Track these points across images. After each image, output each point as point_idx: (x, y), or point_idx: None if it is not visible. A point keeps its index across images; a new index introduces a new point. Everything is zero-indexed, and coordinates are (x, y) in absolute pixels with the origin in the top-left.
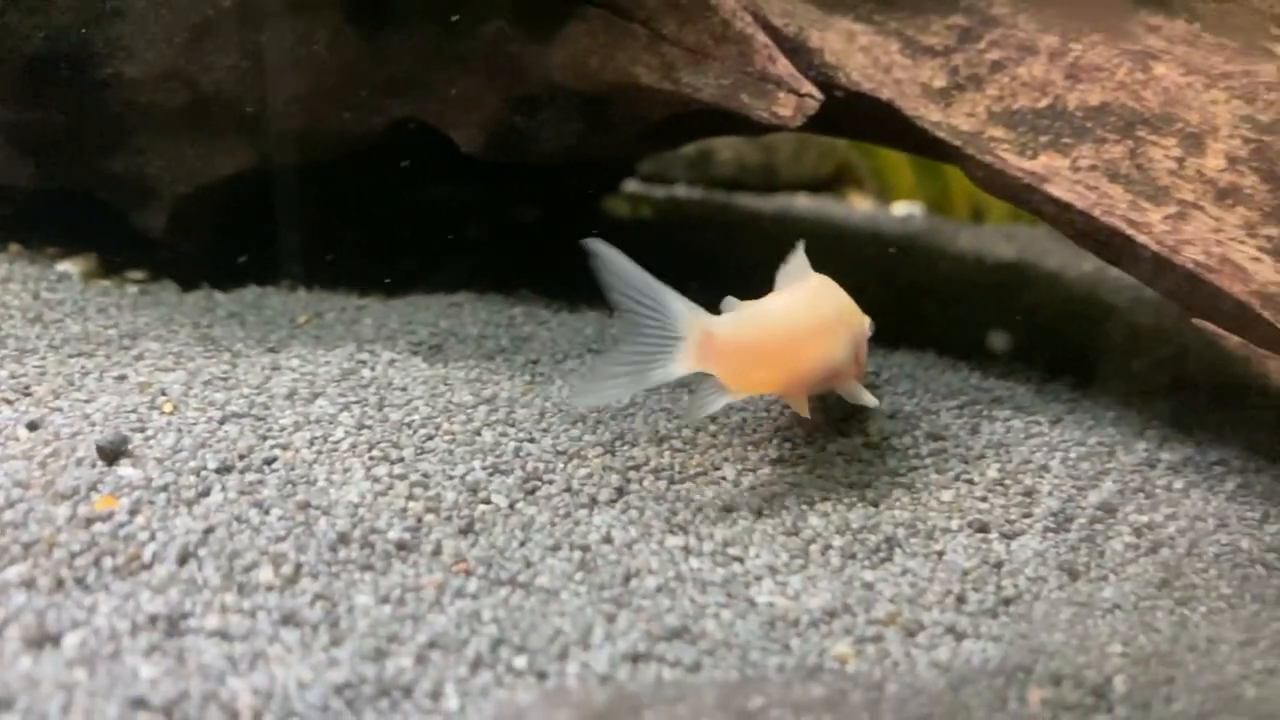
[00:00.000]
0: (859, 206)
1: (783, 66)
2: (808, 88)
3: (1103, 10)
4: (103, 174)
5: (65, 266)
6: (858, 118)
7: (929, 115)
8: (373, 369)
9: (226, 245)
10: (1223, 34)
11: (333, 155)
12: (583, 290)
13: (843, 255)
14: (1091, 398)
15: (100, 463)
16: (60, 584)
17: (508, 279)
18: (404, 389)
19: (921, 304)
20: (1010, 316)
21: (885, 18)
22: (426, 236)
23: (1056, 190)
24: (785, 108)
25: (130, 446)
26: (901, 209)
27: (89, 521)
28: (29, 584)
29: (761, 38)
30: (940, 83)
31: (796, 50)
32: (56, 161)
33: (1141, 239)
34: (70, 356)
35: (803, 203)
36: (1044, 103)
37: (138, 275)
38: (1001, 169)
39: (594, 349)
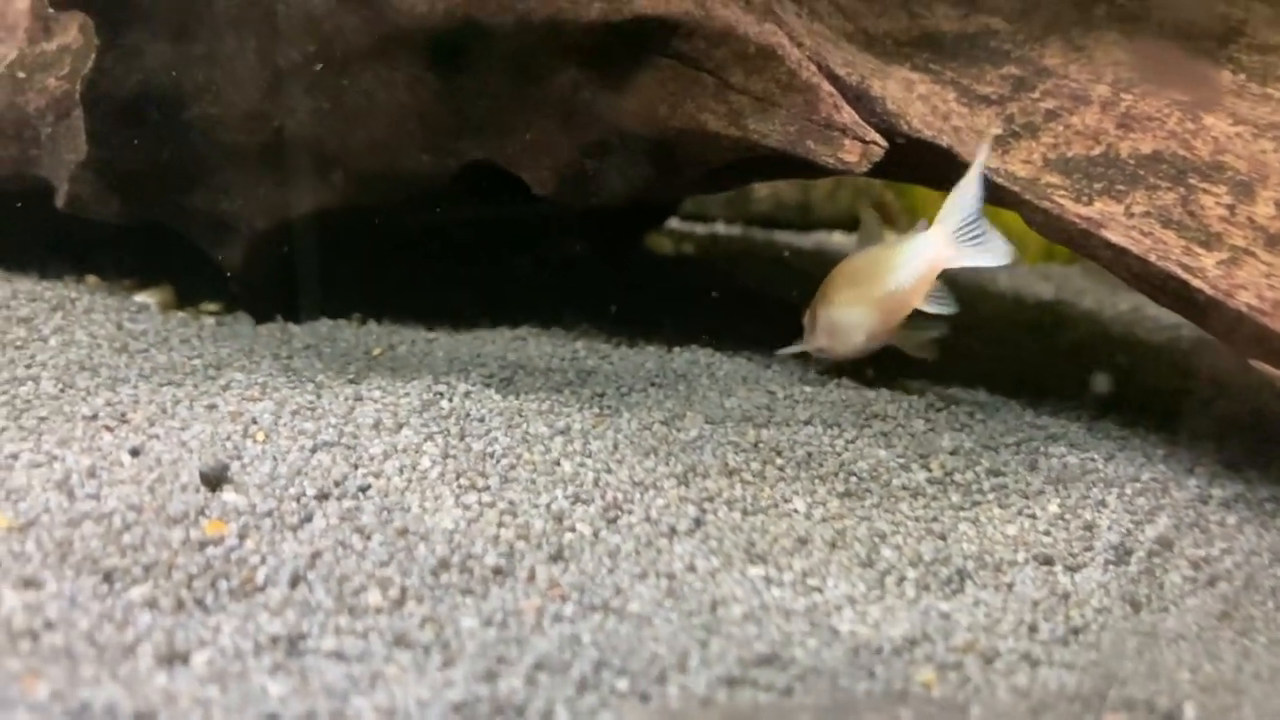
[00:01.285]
0: None
1: (848, 114)
2: (873, 135)
3: (1153, 61)
4: (184, 209)
5: (143, 298)
6: (918, 164)
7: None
8: (450, 400)
9: (300, 279)
10: (1269, 85)
11: (408, 194)
12: (639, 324)
13: None
14: (1140, 435)
15: (204, 489)
16: (181, 604)
17: (566, 313)
18: (481, 420)
19: (968, 342)
20: (1054, 355)
21: (941, 67)
22: (489, 271)
23: (1113, 235)
24: (851, 154)
25: (230, 473)
26: None
27: (202, 545)
28: (152, 604)
29: (827, 86)
30: (996, 130)
31: (860, 98)
32: (141, 197)
33: (1196, 283)
34: (161, 385)
35: (839, 240)
36: (1097, 151)
37: (212, 307)
38: (1059, 214)
39: (655, 382)
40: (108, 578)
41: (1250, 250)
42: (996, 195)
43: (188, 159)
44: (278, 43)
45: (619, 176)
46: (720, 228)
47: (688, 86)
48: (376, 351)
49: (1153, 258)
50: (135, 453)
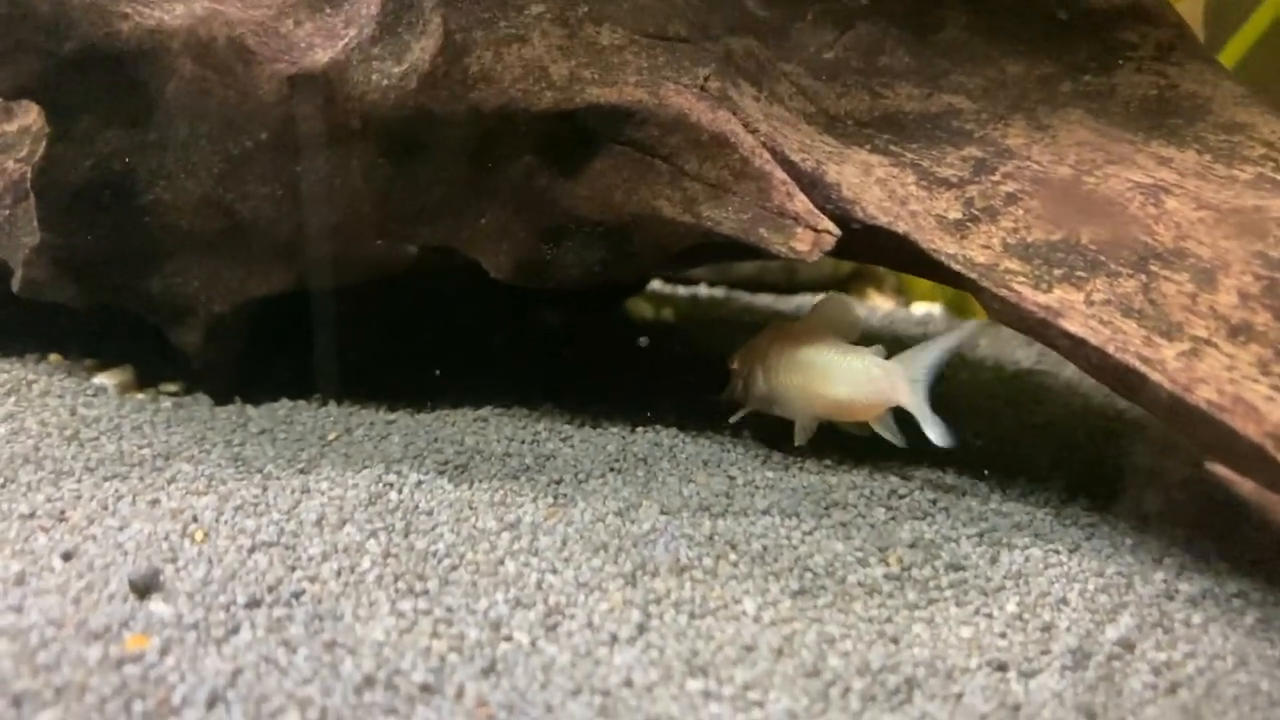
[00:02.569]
0: (879, 306)
1: (800, 203)
2: (825, 224)
3: (1115, 142)
4: (141, 293)
5: (102, 379)
6: (875, 247)
7: (945, 248)
8: (399, 491)
9: (259, 360)
10: (1234, 165)
11: (365, 277)
12: (606, 401)
13: None
14: (1110, 522)
15: (132, 597)
16: None
17: (531, 390)
18: (429, 513)
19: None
20: (1029, 431)
21: (901, 149)
22: (454, 349)
23: (1071, 326)
24: (803, 243)
25: (162, 579)
26: (920, 309)
27: (120, 663)
28: None
29: (779, 174)
30: (955, 214)
31: (814, 184)
32: (98, 281)
33: (1155, 376)
34: (105, 479)
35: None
36: (1058, 235)
37: (172, 388)
38: (1017, 303)
39: (615, 467)
40: (16, 701)
41: (1212, 341)
42: (955, 280)
43: (143, 244)
44: (230, 130)
45: (576, 261)
46: (703, 289)
47: (642, 173)
48: (332, 436)
49: (1111, 349)
50: (67, 556)
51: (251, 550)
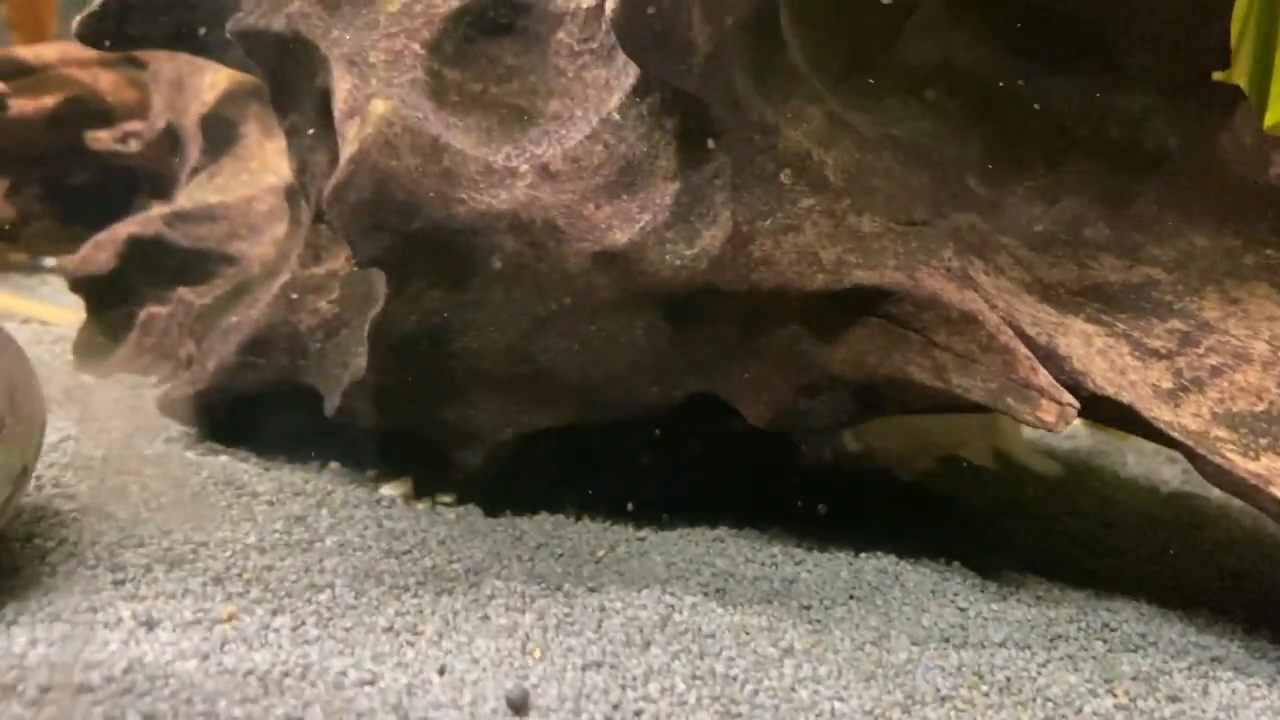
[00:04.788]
0: None
1: (1044, 378)
2: (1067, 397)
3: None
4: (435, 420)
5: (387, 490)
6: (1100, 412)
7: (1162, 416)
8: (680, 613)
9: (528, 479)
10: None
11: (635, 416)
12: (827, 525)
13: (1041, 481)
14: None
15: (510, 713)
16: None
17: (759, 511)
18: (713, 636)
19: (1115, 541)
20: (1197, 556)
21: (1113, 319)
22: (689, 473)
23: (1279, 492)
24: (1049, 414)
25: (529, 698)
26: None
27: None
28: None
29: (1023, 350)
30: (1167, 384)
31: (1049, 357)
32: (403, 411)
33: None
34: (436, 595)
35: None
36: (1260, 408)
37: (446, 499)
38: (1230, 469)
39: (854, 595)
40: None
41: None
42: (1171, 444)
43: (447, 382)
44: (539, 295)
45: (827, 412)
46: None
47: (895, 342)
48: (601, 553)
49: None
50: (441, 671)
51: (584, 669)
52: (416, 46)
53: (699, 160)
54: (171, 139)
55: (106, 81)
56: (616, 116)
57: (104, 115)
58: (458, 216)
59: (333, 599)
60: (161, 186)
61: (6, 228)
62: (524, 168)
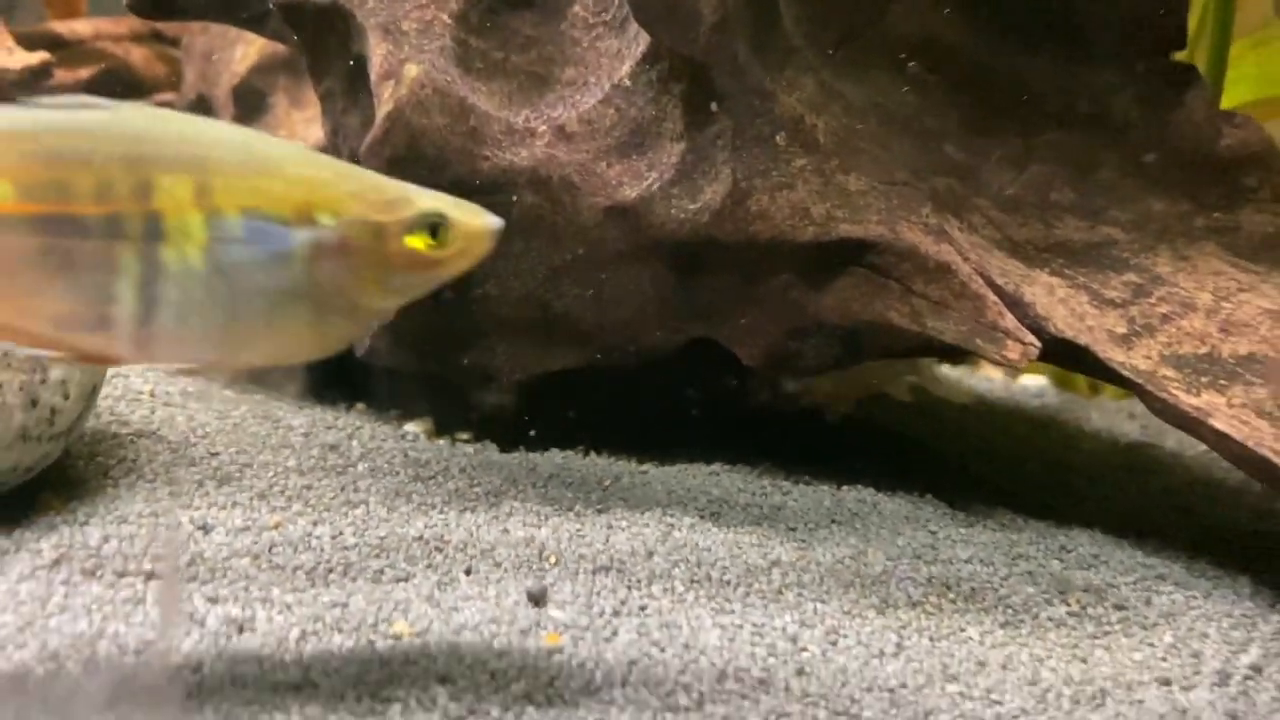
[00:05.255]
0: (992, 377)
1: (1010, 321)
2: (1029, 338)
3: (1243, 272)
4: (455, 362)
5: (410, 427)
6: (1060, 355)
7: (1116, 357)
8: (680, 531)
9: (540, 418)
10: None
11: (640, 361)
12: (813, 463)
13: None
14: (1230, 575)
15: (532, 605)
16: (525, 699)
17: (751, 449)
18: (709, 549)
19: (1075, 481)
20: (1150, 496)
21: (1074, 273)
22: (687, 415)
23: (1218, 424)
24: (1013, 353)
25: (547, 592)
26: (1032, 381)
27: (550, 653)
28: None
29: (992, 296)
30: (1121, 330)
31: (1015, 303)
32: (427, 353)
33: None
34: (460, 511)
35: (945, 371)
36: (1203, 350)
37: (465, 436)
38: (1175, 404)
39: (835, 519)
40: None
41: None
42: (1122, 383)
43: (468, 327)
44: (555, 245)
45: (814, 355)
46: None
47: (877, 289)
48: (607, 483)
49: (1250, 444)
50: (468, 572)
51: (594, 572)
52: (445, 17)
53: (703, 123)
54: (204, 109)
55: (138, 56)
56: (627, 82)
57: (136, 87)
58: (482, 171)
59: (367, 514)
60: None
61: None
62: (542, 128)
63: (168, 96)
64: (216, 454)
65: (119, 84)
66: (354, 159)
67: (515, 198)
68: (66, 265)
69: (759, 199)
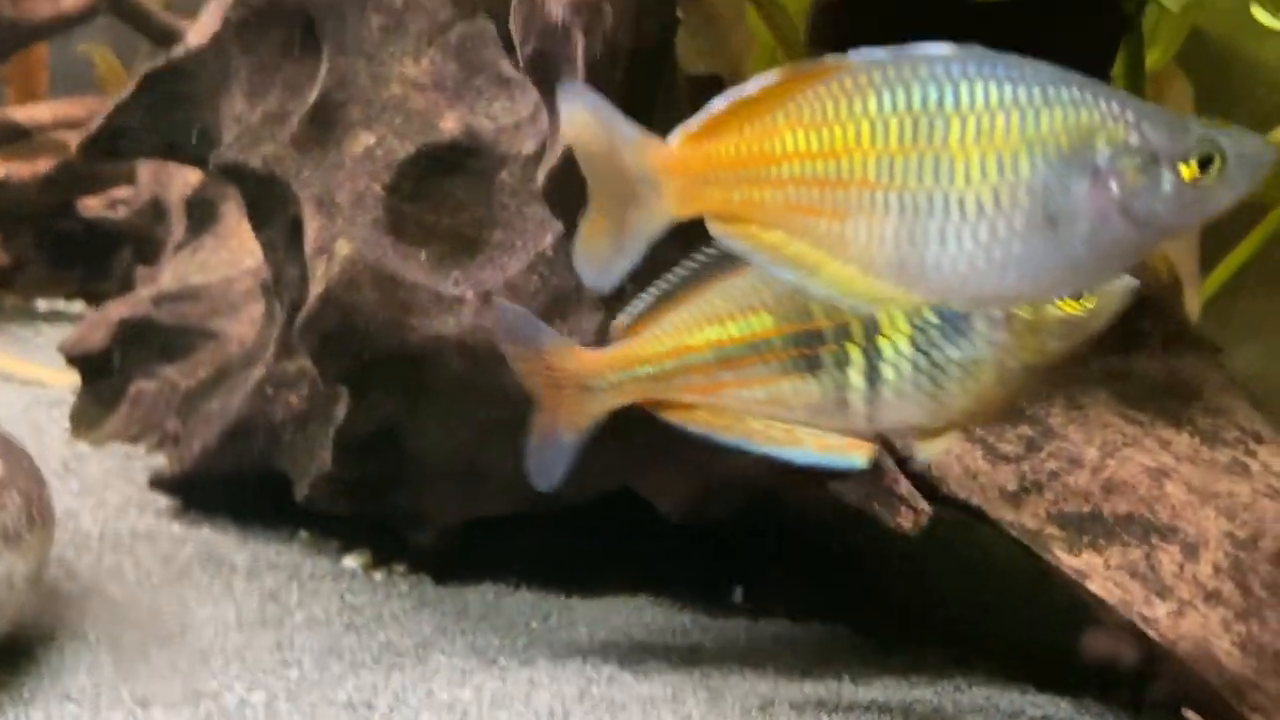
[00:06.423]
0: None
1: (905, 486)
2: (923, 505)
3: (1130, 424)
4: (391, 506)
5: (349, 561)
6: (953, 512)
7: (1005, 516)
8: (599, 687)
9: (470, 549)
10: (1215, 449)
11: (557, 510)
12: (736, 580)
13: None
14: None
15: None
16: None
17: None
18: (624, 708)
19: (988, 598)
20: (1058, 614)
21: (970, 427)
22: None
23: (1094, 586)
24: (905, 520)
25: None
26: None
27: None
28: None
29: (890, 463)
30: (1013, 486)
31: (906, 461)
32: (362, 499)
33: (1151, 632)
34: (389, 670)
35: None
36: (1086, 509)
37: (400, 568)
38: (1056, 564)
39: (748, 663)
40: None
41: (1192, 603)
42: (1012, 540)
43: (400, 475)
44: (482, 406)
45: (726, 509)
46: None
47: None
48: (534, 625)
49: (1120, 608)
50: None
51: None
52: (377, 187)
53: (619, 295)
54: (157, 210)
55: None
56: (550, 253)
57: (93, 179)
58: (411, 342)
59: (301, 676)
60: (146, 249)
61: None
62: (469, 295)
63: (123, 193)
64: (159, 611)
65: (76, 176)
66: (294, 309)
67: (444, 363)
68: (815, 366)
69: None
